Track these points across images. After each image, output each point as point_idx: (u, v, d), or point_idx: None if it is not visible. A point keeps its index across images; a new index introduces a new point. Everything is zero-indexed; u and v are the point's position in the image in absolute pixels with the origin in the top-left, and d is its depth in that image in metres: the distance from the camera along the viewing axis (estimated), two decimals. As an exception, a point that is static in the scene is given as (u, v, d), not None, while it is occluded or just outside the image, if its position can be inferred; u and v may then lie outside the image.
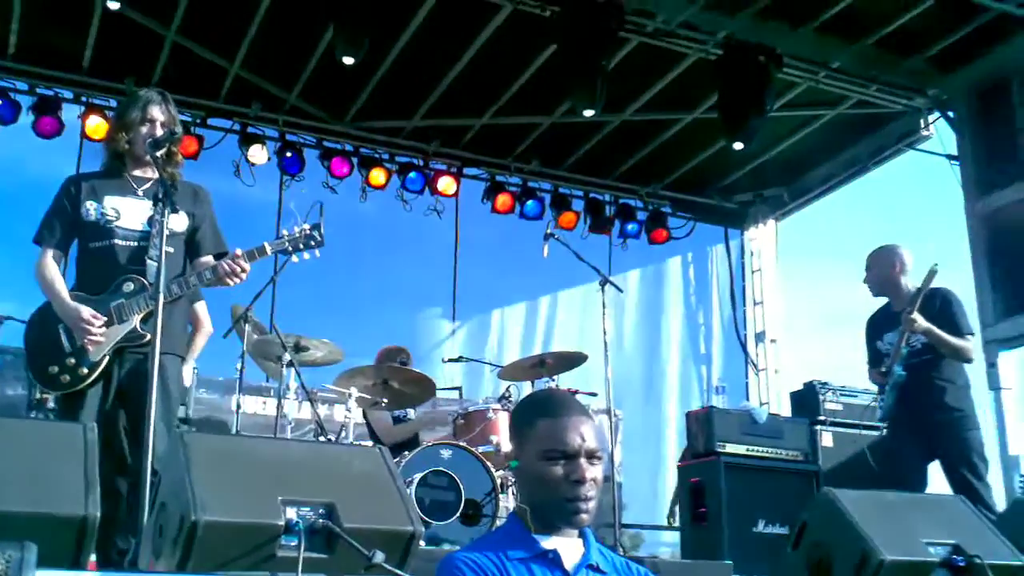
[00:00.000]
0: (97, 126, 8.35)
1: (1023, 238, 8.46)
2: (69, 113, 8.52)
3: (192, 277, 4.11)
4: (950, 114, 9.19)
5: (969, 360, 5.52)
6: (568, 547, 2.16)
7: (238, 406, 6.25)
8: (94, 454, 2.90)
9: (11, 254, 4.72)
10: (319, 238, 4.18)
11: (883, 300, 5.89)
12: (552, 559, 2.12)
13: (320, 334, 6.26)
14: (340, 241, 6.37)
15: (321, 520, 2.81)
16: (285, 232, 4.19)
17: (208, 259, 4.24)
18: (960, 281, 7.98)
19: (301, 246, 4.17)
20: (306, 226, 4.18)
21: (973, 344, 5.57)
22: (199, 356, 6.13)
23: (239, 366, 6.22)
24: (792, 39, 8.23)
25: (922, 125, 9.56)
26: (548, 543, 2.15)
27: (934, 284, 5.54)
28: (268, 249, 4.15)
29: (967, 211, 8.94)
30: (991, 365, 8.11)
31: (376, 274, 9.50)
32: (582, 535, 2.20)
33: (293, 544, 2.73)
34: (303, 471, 3.00)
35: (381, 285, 9.49)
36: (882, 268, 5.76)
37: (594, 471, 2.18)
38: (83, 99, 8.66)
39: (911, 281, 5.68)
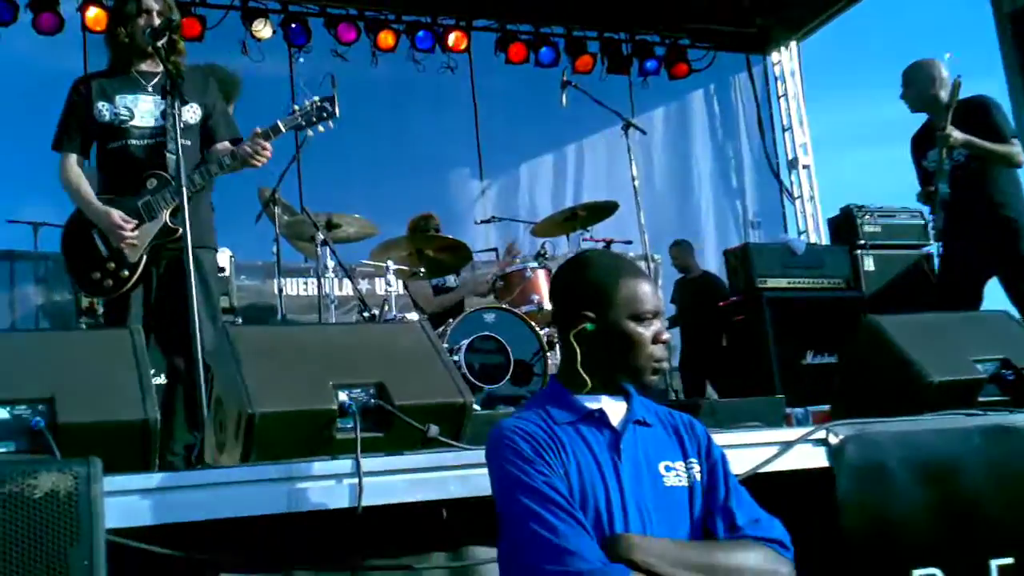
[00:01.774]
0: (97, 16, 8.16)
1: (1055, 37, 8.22)
2: (68, 6, 8.33)
3: (213, 166, 4.08)
4: (973, -86, 8.79)
5: (1019, 164, 5.30)
6: (612, 406, 2.19)
7: (280, 290, 6.29)
8: (144, 357, 2.94)
9: (36, 156, 4.68)
10: (331, 109, 4.10)
11: (923, 117, 5.69)
12: (599, 418, 2.15)
13: (350, 207, 6.23)
14: (357, 110, 6.31)
15: (373, 400, 2.86)
16: (296, 107, 4.13)
17: (225, 145, 4.20)
18: (993, 88, 7.77)
19: (315, 119, 4.10)
20: (316, 99, 4.11)
21: (1019, 146, 5.32)
22: (234, 242, 6.15)
23: (274, 250, 6.21)
24: None
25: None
26: (593, 404, 2.16)
27: (967, 94, 5.38)
28: (282, 127, 4.09)
29: (994, 12, 8.65)
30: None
31: (399, 140, 9.32)
32: (625, 392, 2.23)
33: (349, 427, 2.78)
34: (350, 353, 3.03)
35: (405, 150, 9.33)
36: (919, 84, 5.54)
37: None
38: (78, -11, 8.44)
39: (944, 95, 5.44)
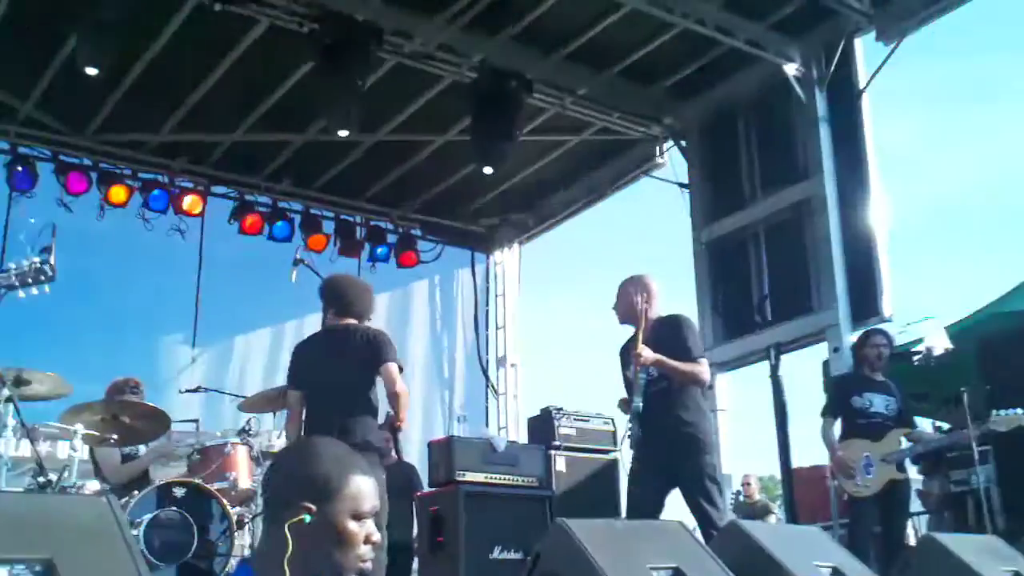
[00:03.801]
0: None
1: (740, 266, 9.13)
2: None
3: None
4: (683, 143, 9.83)
5: (701, 384, 5.54)
6: None
7: (-58, 445, 5.76)
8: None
9: None
10: (50, 272, 3.94)
11: (631, 329, 5.81)
12: None
13: (48, 361, 5.88)
14: (73, 263, 6.05)
15: (37, 579, 2.70)
16: (12, 265, 3.94)
17: None
18: (683, 310, 8.48)
19: (30, 280, 3.93)
20: (35, 259, 3.94)
21: (706, 367, 5.57)
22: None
23: (-55, 402, 5.72)
24: (542, 65, 8.62)
25: (658, 153, 10.19)
26: None
27: (668, 312, 5.69)
28: None
29: (693, 238, 9.53)
30: (709, 387, 8.63)
31: (112, 298, 9.11)
32: None
33: (6, 607, 2.60)
34: (17, 524, 2.85)
35: (118, 310, 9.10)
36: (627, 297, 5.73)
37: None
38: None
39: (656, 311, 5.71)
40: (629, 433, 5.57)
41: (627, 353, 5.66)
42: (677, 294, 9.73)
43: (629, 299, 5.71)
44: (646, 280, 5.79)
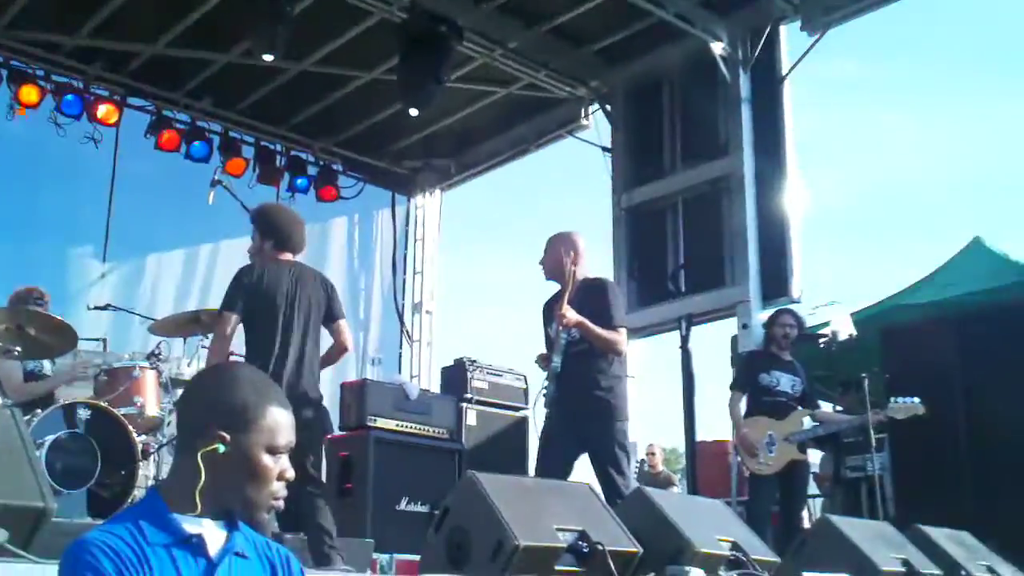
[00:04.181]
0: None
1: (657, 235, 9.23)
2: None
3: None
4: (608, 107, 9.87)
5: (618, 352, 5.52)
6: (213, 532, 2.08)
7: None
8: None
9: None
10: None
11: (556, 285, 5.80)
12: (196, 544, 2.03)
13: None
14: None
15: (-65, 497, 2.58)
16: None
17: None
18: (605, 270, 8.54)
19: None
20: None
21: (624, 336, 5.57)
22: None
23: None
24: (474, 14, 8.52)
25: (583, 115, 10.20)
26: (192, 527, 2.02)
27: (594, 274, 5.68)
28: None
29: (613, 203, 9.59)
30: (618, 354, 8.75)
31: (19, 202, 8.72)
32: (229, 518, 2.15)
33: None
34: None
35: (25, 215, 8.74)
36: (555, 253, 5.66)
37: None
38: None
39: (583, 270, 5.66)
40: (544, 392, 5.57)
41: (551, 310, 5.65)
42: (594, 257, 9.78)
43: (558, 256, 5.64)
44: (575, 238, 5.74)
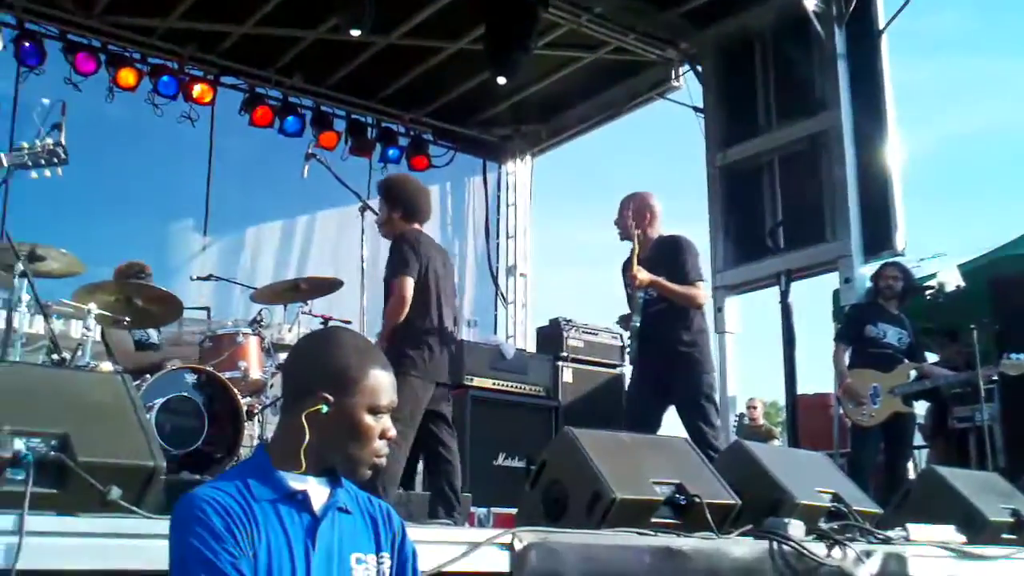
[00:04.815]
0: None
1: (753, 193, 9.12)
2: None
3: None
4: (699, 68, 9.74)
5: (697, 306, 5.56)
6: (317, 488, 2.13)
7: (-41, 318, 5.75)
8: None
9: None
10: (63, 155, 3.89)
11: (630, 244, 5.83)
12: (301, 500, 2.08)
13: (58, 242, 5.81)
14: (84, 143, 5.96)
15: (53, 452, 2.66)
16: (25, 145, 3.88)
17: None
18: (696, 232, 8.48)
19: (43, 162, 3.87)
20: (48, 140, 3.88)
21: (703, 290, 5.63)
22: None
23: (-38, 275, 5.69)
24: (560, -21, 8.39)
25: (673, 76, 10.08)
26: (297, 484, 2.08)
27: (666, 231, 5.70)
28: (3, 161, 3.82)
29: (707, 162, 9.50)
30: (718, 310, 8.72)
31: (123, 180, 8.94)
32: (332, 474, 2.19)
33: (20, 478, 2.57)
34: (35, 398, 2.83)
35: (128, 192, 8.98)
36: (628, 214, 5.70)
37: None
38: None
39: (658, 229, 5.73)
40: (628, 350, 5.68)
41: (628, 270, 5.66)
42: (690, 215, 9.70)
43: (628, 217, 5.70)
44: (647, 198, 5.77)
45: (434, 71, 9.97)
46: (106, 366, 5.57)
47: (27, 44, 8.47)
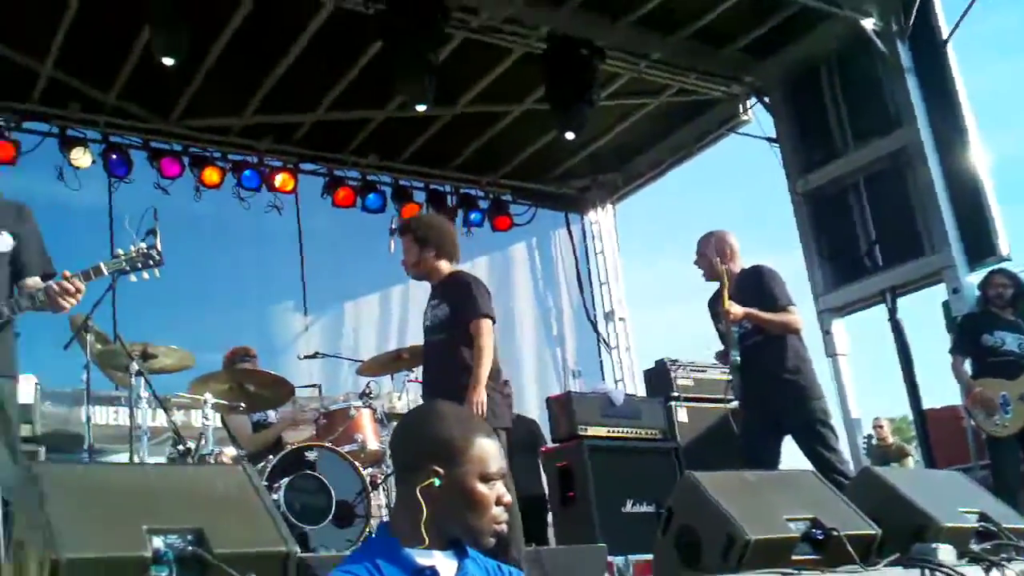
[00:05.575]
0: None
1: (841, 213, 9.00)
2: None
3: (24, 300, 3.90)
4: (766, 99, 9.69)
5: (795, 331, 5.53)
6: (445, 563, 2.14)
7: (88, 418, 5.97)
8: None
9: None
10: (157, 257, 4.01)
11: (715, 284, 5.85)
12: None
13: (167, 336, 6.01)
14: (179, 242, 6.15)
15: (190, 548, 2.70)
16: (120, 252, 4.01)
17: (36, 280, 4.04)
18: (791, 259, 8.39)
19: (139, 265, 3.99)
20: (143, 245, 4.01)
21: (797, 314, 5.58)
22: (41, 369, 5.87)
23: (84, 377, 5.89)
24: (612, 33, 8.48)
25: (741, 110, 10.03)
26: (424, 559, 2.11)
27: (747, 264, 5.71)
28: (104, 270, 3.96)
29: (790, 190, 9.41)
30: (826, 333, 8.59)
31: (220, 273, 9.23)
32: (458, 547, 2.19)
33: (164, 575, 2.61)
34: (166, 496, 2.88)
35: (228, 283, 9.28)
36: (706, 254, 5.76)
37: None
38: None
39: (737, 264, 5.74)
40: (731, 385, 5.62)
41: (715, 306, 5.67)
42: (778, 243, 9.57)
43: (708, 256, 5.73)
44: (723, 235, 5.79)
45: (504, 133, 10.06)
46: (229, 451, 5.73)
47: (114, 156, 8.80)
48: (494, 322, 4.90)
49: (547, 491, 7.03)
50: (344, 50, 8.44)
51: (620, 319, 11.21)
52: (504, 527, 2.18)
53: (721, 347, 5.76)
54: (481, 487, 2.12)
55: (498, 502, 2.14)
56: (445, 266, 5.12)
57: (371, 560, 2.08)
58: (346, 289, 10.15)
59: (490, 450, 2.16)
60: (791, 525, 3.65)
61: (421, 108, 7.93)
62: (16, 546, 2.83)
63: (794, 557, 3.58)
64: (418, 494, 2.10)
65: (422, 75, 7.48)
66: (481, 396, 4.69)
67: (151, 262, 4.02)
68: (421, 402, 5.38)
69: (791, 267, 5.87)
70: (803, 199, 9.29)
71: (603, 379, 10.65)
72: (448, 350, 4.90)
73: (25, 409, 5.54)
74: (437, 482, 2.11)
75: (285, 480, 5.20)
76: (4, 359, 3.93)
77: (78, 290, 3.88)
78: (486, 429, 2.22)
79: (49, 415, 6.78)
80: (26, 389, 5.67)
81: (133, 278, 4.04)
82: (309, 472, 5.30)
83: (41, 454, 5.87)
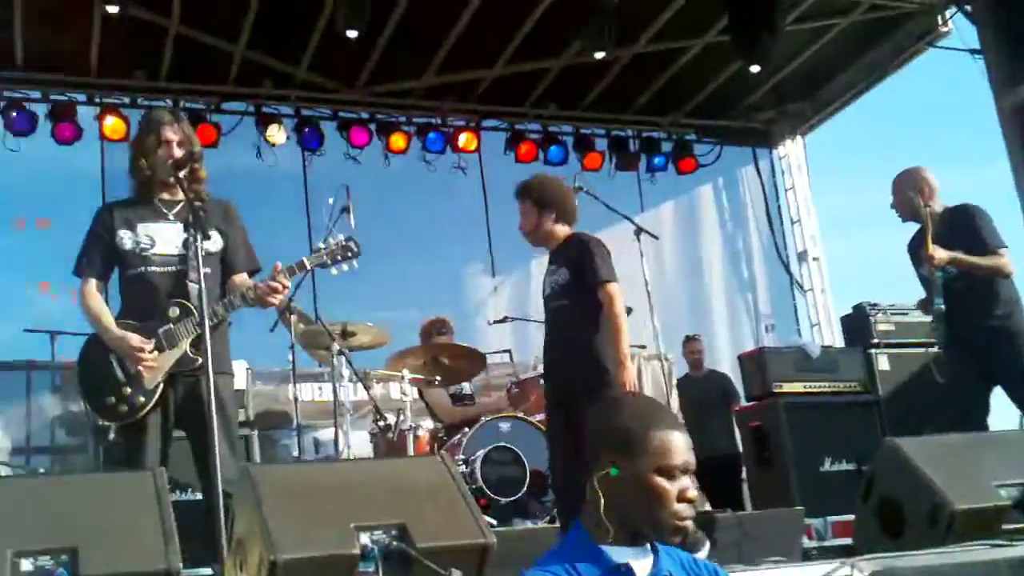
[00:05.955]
0: (114, 125, 8.44)
1: (1057, 126, 8.31)
2: (85, 115, 8.53)
3: (236, 298, 4.12)
4: (967, 8, 8.96)
5: (1006, 275, 5.18)
6: (639, 560, 2.13)
7: (295, 397, 6.34)
8: (167, 500, 2.95)
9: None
10: (355, 249, 4.19)
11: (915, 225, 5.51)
12: (625, 573, 2.09)
13: (364, 307, 6.29)
14: (372, 207, 6.39)
15: (395, 543, 2.84)
16: (321, 246, 4.21)
17: (243, 277, 4.25)
18: (995, 176, 7.79)
19: (339, 258, 4.18)
20: (341, 238, 4.19)
21: (1008, 256, 5.19)
22: (250, 351, 6.22)
23: (290, 357, 6.27)
24: (794, -48, 8.06)
25: (939, 22, 9.35)
26: (619, 556, 2.10)
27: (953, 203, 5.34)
28: (307, 264, 4.17)
29: (997, 105, 8.74)
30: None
31: (412, 237, 9.45)
32: (651, 543, 2.18)
33: (370, 571, 2.76)
34: (370, 492, 3.03)
35: (420, 249, 9.52)
36: (903, 194, 5.42)
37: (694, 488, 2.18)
38: (96, 100, 8.71)
39: (939, 203, 5.37)
40: (935, 335, 5.32)
41: (916, 251, 5.35)
42: (985, 163, 8.95)
43: (907, 196, 5.38)
44: (921, 172, 5.42)
45: (686, 71, 9.82)
46: (427, 424, 5.94)
47: (307, 130, 9.20)
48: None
49: (741, 450, 6.93)
50: (519, 2, 8.43)
51: (814, 259, 10.76)
52: (688, 524, 2.12)
53: (923, 294, 5.45)
54: (659, 480, 2.08)
55: (680, 497, 2.09)
56: (564, 230, 4.98)
57: (568, 561, 2.09)
58: (532, 248, 10.17)
59: (672, 442, 2.11)
60: (1001, 492, 3.51)
61: (600, 55, 7.81)
62: (237, 543, 3.04)
63: (1005, 526, 3.43)
64: (596, 484, 2.11)
65: (601, 20, 7.43)
66: (630, 375, 4.55)
67: (349, 254, 4.20)
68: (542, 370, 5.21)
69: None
70: (1012, 114, 8.65)
71: (797, 323, 10.35)
72: (571, 316, 4.74)
73: (239, 395, 5.91)
74: (614, 471, 2.11)
75: (481, 452, 5.36)
76: (222, 357, 4.10)
77: (284, 287, 4.10)
78: (668, 422, 2.17)
79: (259, 394, 7.21)
80: (239, 376, 6.04)
81: (334, 271, 4.23)
82: (503, 444, 5.44)
83: (254, 439, 6.24)
